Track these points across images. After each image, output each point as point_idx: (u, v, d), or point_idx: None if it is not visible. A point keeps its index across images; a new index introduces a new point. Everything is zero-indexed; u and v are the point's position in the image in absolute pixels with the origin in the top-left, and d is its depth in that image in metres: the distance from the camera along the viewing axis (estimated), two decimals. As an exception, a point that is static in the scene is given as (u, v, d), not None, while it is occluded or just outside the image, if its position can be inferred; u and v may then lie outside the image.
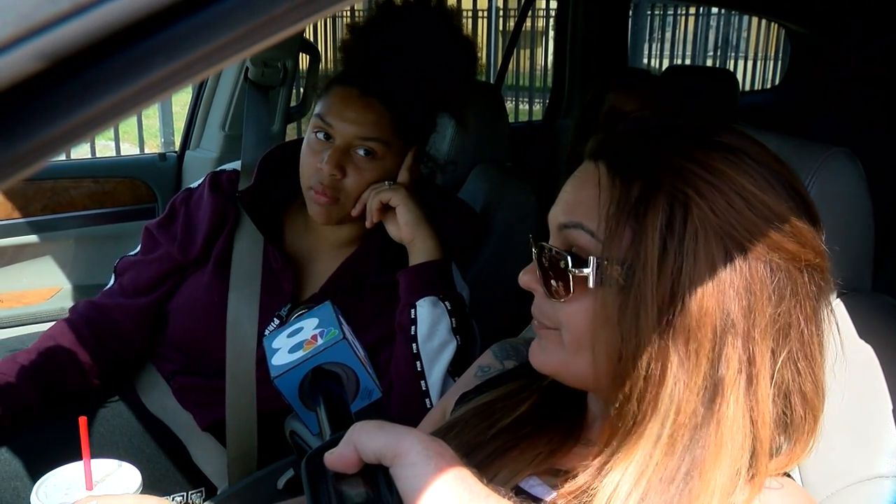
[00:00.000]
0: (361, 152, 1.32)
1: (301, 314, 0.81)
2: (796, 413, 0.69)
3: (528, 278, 0.75)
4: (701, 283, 0.65)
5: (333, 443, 0.60)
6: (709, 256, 0.65)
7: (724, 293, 0.65)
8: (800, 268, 0.67)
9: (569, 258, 0.69)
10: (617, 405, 0.69)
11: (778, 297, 0.66)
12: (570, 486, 0.70)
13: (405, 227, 1.31)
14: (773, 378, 0.67)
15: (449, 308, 1.29)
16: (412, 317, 1.29)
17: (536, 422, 0.79)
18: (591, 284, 0.69)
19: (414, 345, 1.28)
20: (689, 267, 0.65)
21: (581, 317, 0.70)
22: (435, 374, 1.27)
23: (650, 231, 0.66)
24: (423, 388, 1.27)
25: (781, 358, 0.67)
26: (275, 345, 0.79)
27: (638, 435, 0.67)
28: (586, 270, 0.69)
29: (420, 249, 1.31)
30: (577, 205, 0.71)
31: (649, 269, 0.66)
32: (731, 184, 0.66)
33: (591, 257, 0.68)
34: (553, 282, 0.71)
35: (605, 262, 0.68)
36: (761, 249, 0.66)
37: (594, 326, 0.69)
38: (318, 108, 1.35)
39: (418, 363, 1.27)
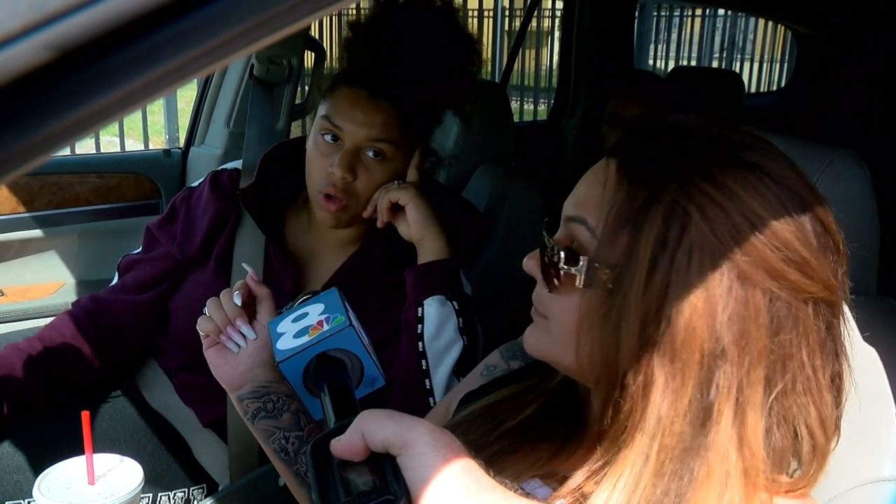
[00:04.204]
0: (371, 154, 1.31)
1: (306, 299, 0.81)
2: (803, 446, 0.67)
3: (530, 264, 0.75)
4: (690, 302, 0.63)
5: (339, 430, 0.59)
6: (702, 277, 0.63)
7: (716, 317, 0.63)
8: (804, 300, 0.64)
9: (562, 254, 0.69)
10: (603, 410, 0.68)
11: (776, 327, 0.63)
12: (565, 488, 0.69)
13: (415, 226, 1.30)
14: (765, 410, 0.64)
15: (456, 308, 1.29)
16: (419, 315, 1.28)
17: (541, 425, 0.78)
18: (579, 284, 0.68)
19: (420, 343, 1.27)
20: (679, 284, 0.63)
21: (568, 312, 0.70)
22: (440, 374, 1.27)
23: (644, 242, 0.64)
24: (427, 387, 1.26)
25: (777, 390, 0.64)
26: (279, 329, 0.78)
27: (628, 448, 0.66)
28: (575, 269, 0.68)
29: (429, 248, 1.30)
30: (586, 200, 0.71)
31: (637, 279, 0.64)
32: (740, 206, 0.63)
33: (583, 257, 0.68)
34: (550, 272, 0.71)
35: (597, 265, 0.67)
36: (761, 277, 0.63)
37: (579, 325, 0.68)
38: (323, 109, 1.33)
39: (424, 362, 1.27)
